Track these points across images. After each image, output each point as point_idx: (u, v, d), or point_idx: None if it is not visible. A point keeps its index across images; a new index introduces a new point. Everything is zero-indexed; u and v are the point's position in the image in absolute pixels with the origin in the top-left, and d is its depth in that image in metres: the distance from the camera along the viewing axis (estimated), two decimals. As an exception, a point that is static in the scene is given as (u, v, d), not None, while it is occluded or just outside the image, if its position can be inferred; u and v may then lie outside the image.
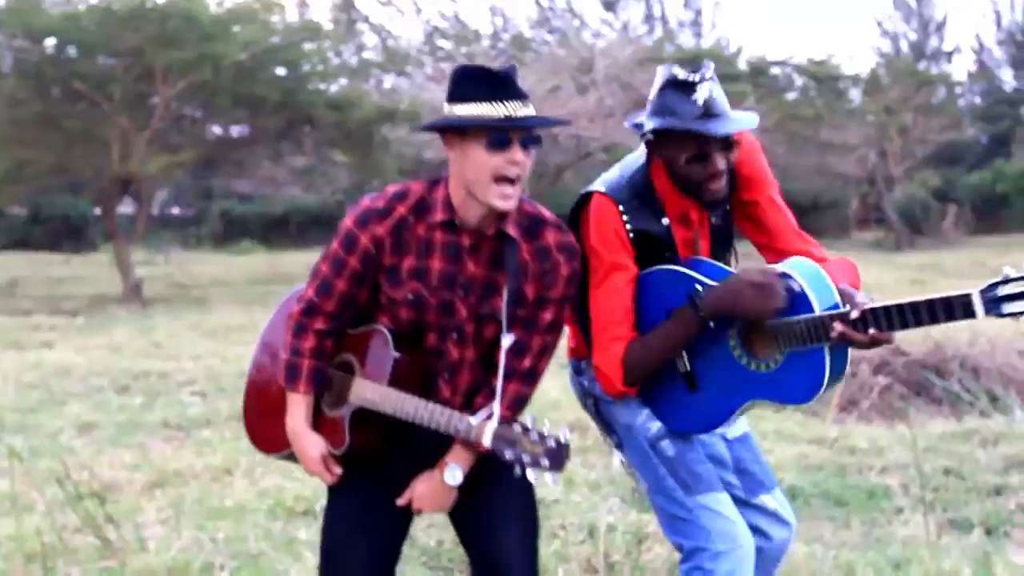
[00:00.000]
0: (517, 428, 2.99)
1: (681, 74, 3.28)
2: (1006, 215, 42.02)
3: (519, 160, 3.10)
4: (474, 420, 3.04)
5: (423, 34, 38.80)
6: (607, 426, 3.61)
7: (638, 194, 3.42)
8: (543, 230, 3.25)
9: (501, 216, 3.17)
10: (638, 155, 3.50)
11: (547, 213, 3.30)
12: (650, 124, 3.32)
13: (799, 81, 33.98)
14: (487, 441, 2.99)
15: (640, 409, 3.52)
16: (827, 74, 33.27)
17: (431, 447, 3.26)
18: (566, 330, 3.51)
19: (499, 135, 3.09)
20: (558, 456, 2.96)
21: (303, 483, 6.25)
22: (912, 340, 9.77)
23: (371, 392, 3.20)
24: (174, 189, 44.86)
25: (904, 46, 53.72)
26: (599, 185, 3.43)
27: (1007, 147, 45.16)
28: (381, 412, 3.18)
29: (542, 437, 2.97)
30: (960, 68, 54.19)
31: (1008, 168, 42.39)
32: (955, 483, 6.20)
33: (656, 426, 3.51)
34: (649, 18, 51.00)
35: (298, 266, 29.50)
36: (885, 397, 8.80)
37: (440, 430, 3.09)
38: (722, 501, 3.46)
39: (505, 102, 3.09)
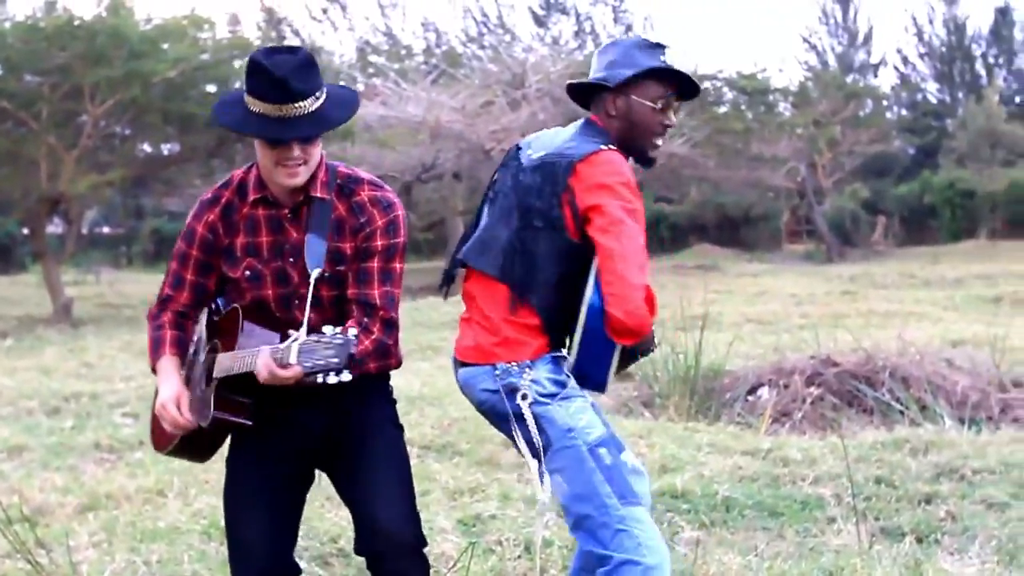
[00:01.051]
0: (314, 340, 3.04)
1: (649, 39, 3.63)
2: (934, 226, 42.68)
3: (295, 156, 3.33)
4: (283, 345, 3.13)
5: (355, 50, 38.80)
6: (539, 429, 3.52)
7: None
8: (358, 188, 3.49)
9: (305, 185, 3.41)
10: (573, 129, 3.69)
11: (364, 174, 3.55)
12: (628, 72, 3.61)
13: (729, 95, 34.28)
14: (293, 357, 3.05)
15: (581, 413, 3.52)
16: (757, 88, 33.60)
17: (313, 415, 3.46)
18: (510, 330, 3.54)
19: (273, 139, 3.33)
20: (343, 351, 2.99)
21: (237, 503, 6.20)
22: (843, 351, 9.89)
23: (228, 361, 3.34)
24: (104, 208, 44.42)
25: (831, 59, 54.38)
26: (595, 143, 3.57)
27: (933, 159, 45.85)
28: (236, 374, 3.29)
29: (331, 337, 3.02)
30: (886, 81, 54.91)
31: (935, 180, 43.07)
32: (886, 492, 6.26)
33: (597, 432, 3.51)
34: (580, 33, 51.23)
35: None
36: (817, 408, 8.88)
37: (282, 361, 3.13)
38: (645, 513, 3.49)
39: (282, 104, 3.27)
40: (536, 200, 3.55)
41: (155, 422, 3.60)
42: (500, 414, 3.58)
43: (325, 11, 47.74)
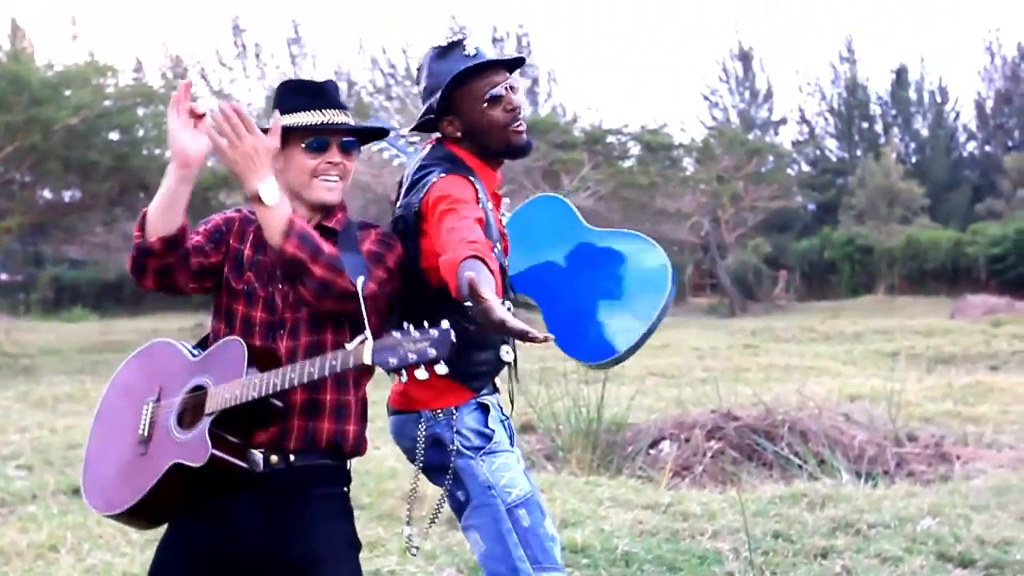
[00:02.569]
0: (394, 336, 2.96)
1: (443, 41, 3.57)
2: (833, 281, 43.41)
3: (336, 161, 3.39)
4: (349, 346, 3.02)
5: (263, 99, 38.62)
6: (457, 481, 3.45)
7: (468, 172, 3.51)
8: (369, 229, 3.46)
9: (325, 213, 3.41)
10: (422, 162, 3.57)
11: (375, 225, 3.52)
12: (438, 95, 3.52)
13: (634, 149, 34.66)
14: (367, 358, 2.96)
15: (504, 471, 3.44)
16: (661, 143, 34.03)
17: (271, 504, 3.22)
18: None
19: (317, 139, 3.38)
20: (443, 340, 2.91)
21: (131, 559, 6.09)
22: (743, 405, 10.00)
23: (228, 391, 3.16)
24: (2, 254, 43.63)
25: (733, 116, 55.21)
26: (433, 178, 3.43)
27: (833, 215, 46.67)
28: (244, 404, 3.12)
29: (422, 332, 2.94)
30: (787, 138, 55.91)
31: (835, 235, 43.86)
32: (783, 546, 6.31)
33: (518, 491, 3.43)
34: (487, 86, 51.45)
35: (132, 333, 28.88)
36: (718, 461, 8.95)
37: (316, 377, 3.05)
38: None
39: (323, 110, 3.40)
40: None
41: (92, 480, 3.40)
42: (427, 465, 3.49)
43: (237, 56, 47.59)
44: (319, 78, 3.52)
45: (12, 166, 22.58)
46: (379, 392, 3.61)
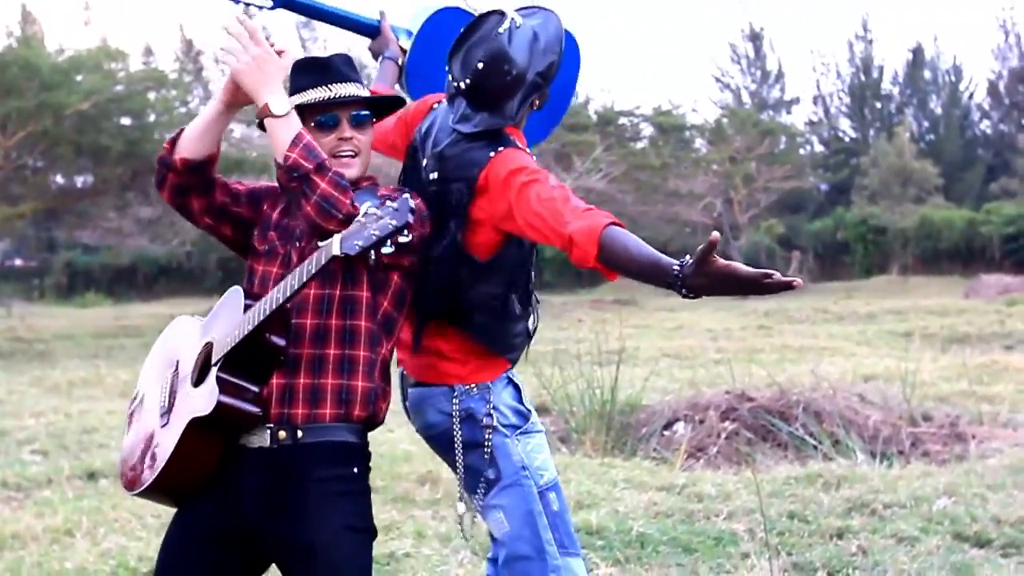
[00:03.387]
0: (358, 220, 2.95)
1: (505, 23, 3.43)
2: (847, 261, 43.32)
3: (348, 136, 3.33)
4: (322, 244, 3.00)
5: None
6: (491, 460, 3.39)
7: (515, 143, 3.41)
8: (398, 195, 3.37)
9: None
10: (458, 136, 3.45)
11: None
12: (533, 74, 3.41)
13: (647, 131, 34.60)
14: (336, 248, 2.92)
15: (538, 452, 3.42)
16: (673, 124, 33.96)
17: (273, 486, 3.19)
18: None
19: (325, 116, 3.34)
20: (402, 208, 2.90)
21: (147, 543, 6.09)
22: (757, 386, 9.98)
23: (230, 335, 3.14)
24: (16, 240, 43.76)
25: (745, 97, 55.04)
26: (488, 154, 3.34)
27: (847, 195, 46.53)
28: (247, 337, 3.09)
29: (381, 208, 2.93)
30: (800, 118, 55.77)
31: (848, 216, 43.74)
32: (799, 527, 6.30)
33: (549, 475, 3.42)
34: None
35: (145, 318, 28.93)
36: (732, 442, 8.94)
37: (302, 282, 3.01)
38: (582, 566, 3.41)
39: (330, 85, 3.35)
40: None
41: (124, 464, 3.38)
42: (449, 440, 3.43)
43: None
44: (325, 56, 3.47)
45: (24, 152, 22.61)
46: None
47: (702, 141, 39.16)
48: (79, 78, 21.11)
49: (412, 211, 2.90)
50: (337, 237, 2.93)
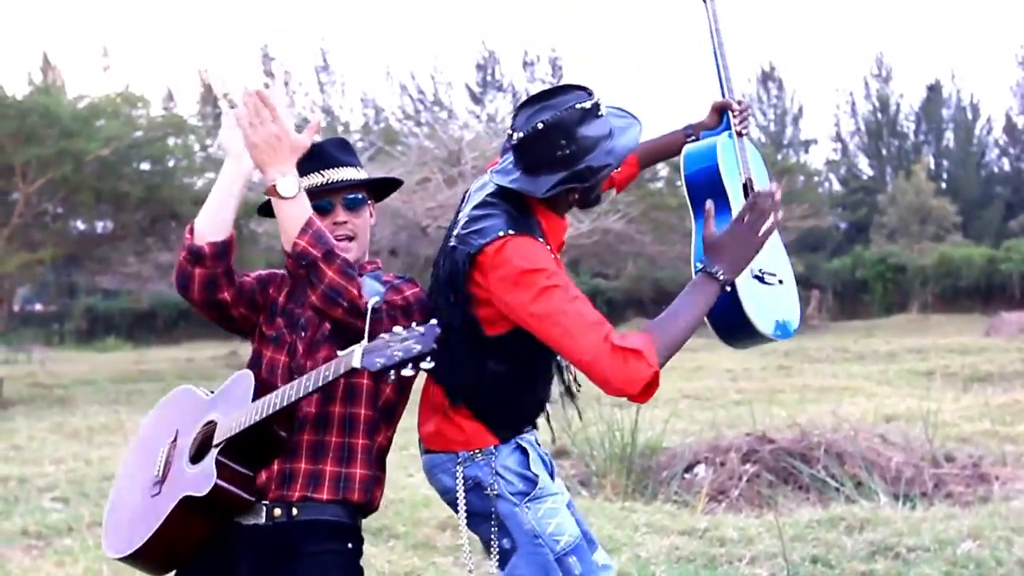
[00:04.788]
0: (382, 337, 2.94)
1: (583, 102, 3.26)
2: (866, 300, 43.18)
3: (342, 220, 3.37)
4: (341, 353, 2.99)
5: (293, 127, 38.80)
6: (502, 528, 3.31)
7: (535, 230, 3.29)
8: (403, 285, 3.42)
9: None
10: (486, 197, 3.37)
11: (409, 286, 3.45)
12: (582, 165, 3.24)
13: (664, 171, 34.61)
14: (356, 361, 2.92)
15: (551, 516, 3.32)
16: (690, 164, 33.89)
17: (267, 561, 3.19)
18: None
19: (319, 201, 3.35)
20: (429, 335, 2.89)
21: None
22: (778, 428, 9.93)
23: (235, 420, 3.15)
24: (36, 286, 43.96)
25: (763, 135, 55.10)
26: (498, 230, 3.21)
27: (865, 234, 46.48)
28: (251, 426, 3.10)
29: (408, 331, 2.93)
30: (818, 157, 55.75)
31: (867, 254, 43.65)
32: (822, 571, 6.26)
33: (566, 538, 3.31)
34: (516, 110, 51.60)
35: (165, 362, 28.99)
36: (753, 485, 8.89)
37: (317, 387, 3.02)
38: None
39: (322, 171, 3.39)
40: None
41: (109, 525, 3.40)
42: (467, 509, 3.36)
43: (267, 86, 47.84)
44: (319, 142, 3.45)
45: (44, 198, 22.70)
46: (411, 418, 3.57)
47: (720, 181, 39.13)
48: (99, 124, 21.24)
49: (437, 339, 2.88)
50: (359, 349, 2.94)
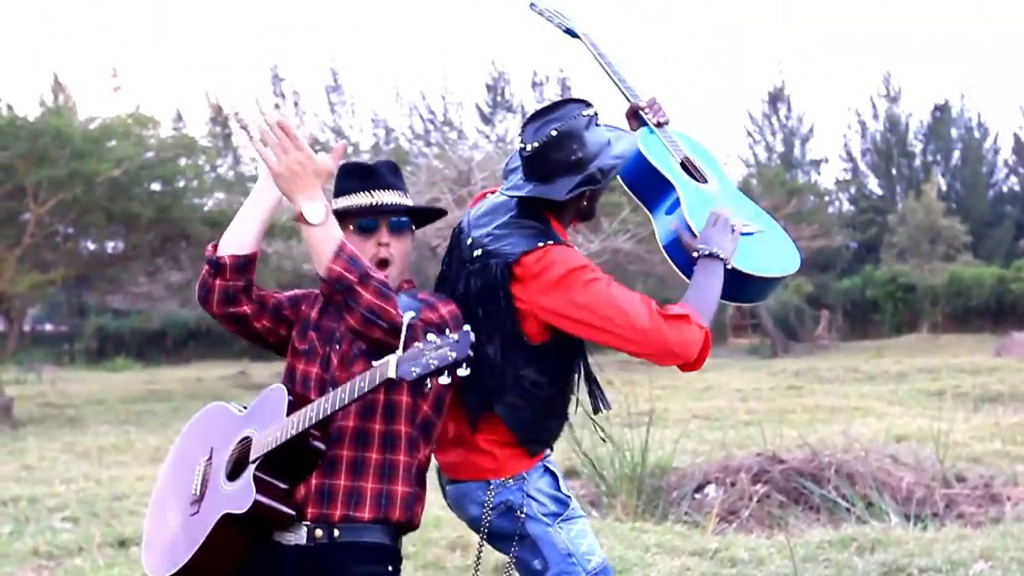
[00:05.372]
0: (416, 346, 2.94)
1: (586, 110, 3.51)
2: (877, 320, 43.09)
3: (385, 242, 3.39)
4: (376, 363, 2.99)
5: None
6: (534, 549, 3.41)
7: (563, 240, 3.46)
8: (437, 302, 3.40)
9: None
10: (508, 218, 3.51)
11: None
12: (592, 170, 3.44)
13: (673, 191, 34.63)
14: (392, 371, 2.92)
15: (582, 537, 3.42)
16: (700, 184, 33.91)
17: None
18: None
19: (364, 220, 3.39)
20: (463, 342, 2.88)
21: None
22: (788, 448, 9.91)
23: (271, 435, 3.15)
24: (47, 305, 44.05)
25: (773, 156, 55.05)
26: (536, 241, 3.38)
27: (875, 253, 46.41)
28: (286, 444, 3.10)
29: (443, 338, 2.92)
30: (828, 176, 55.72)
31: (877, 274, 43.58)
32: (834, 592, 6.26)
33: (597, 559, 3.41)
34: (525, 130, 51.60)
35: (175, 382, 29.00)
36: (764, 505, 8.88)
37: (354, 398, 3.02)
38: None
39: (372, 191, 3.41)
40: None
41: (150, 547, 3.39)
42: (496, 533, 3.45)
43: (277, 107, 47.96)
44: (371, 162, 3.52)
45: (56, 219, 22.79)
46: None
47: (729, 200, 39.14)
48: (110, 145, 21.32)
49: (472, 346, 2.88)
50: (393, 359, 2.93)
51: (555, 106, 3.52)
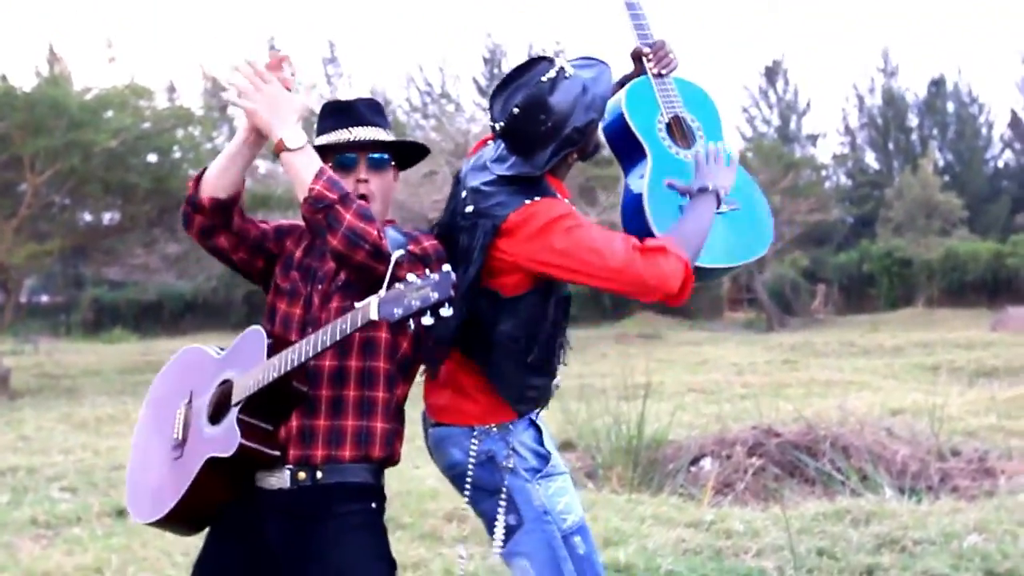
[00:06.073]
0: (397, 287, 2.92)
1: (551, 71, 3.40)
2: (872, 294, 43.15)
3: (364, 178, 3.37)
4: (358, 305, 2.98)
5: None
6: (511, 505, 3.37)
7: (553, 193, 3.42)
8: (420, 236, 3.41)
9: None
10: (498, 175, 3.47)
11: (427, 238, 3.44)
12: (568, 130, 3.38)
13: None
14: (374, 313, 2.91)
15: (560, 495, 3.39)
16: (697, 158, 33.88)
17: (295, 524, 3.23)
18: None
19: (342, 156, 3.39)
20: (444, 282, 2.85)
21: (176, 581, 6.12)
22: (784, 421, 9.95)
23: (251, 378, 3.15)
24: (43, 276, 43.99)
25: (770, 129, 55.00)
26: (522, 199, 3.35)
27: (871, 228, 46.41)
28: (268, 386, 3.11)
29: (424, 279, 2.90)
30: (825, 151, 55.63)
31: (873, 248, 43.61)
32: (828, 564, 6.27)
33: (573, 517, 3.38)
34: (523, 103, 51.48)
35: (171, 353, 28.86)
36: (759, 478, 8.91)
37: (335, 340, 3.02)
38: None
39: (351, 127, 3.41)
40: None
41: (134, 492, 3.43)
42: (470, 481, 3.41)
43: (278, 50, 47.81)
44: (351, 99, 3.53)
45: (52, 190, 22.73)
46: (417, 407, 3.60)
47: (726, 174, 39.11)
48: (107, 115, 21.24)
49: (455, 285, 2.86)
50: (375, 300, 2.93)
51: (517, 72, 3.44)
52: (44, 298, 48.17)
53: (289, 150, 3.13)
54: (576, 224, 3.30)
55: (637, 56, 3.74)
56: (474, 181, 3.49)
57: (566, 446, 10.08)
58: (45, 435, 13.14)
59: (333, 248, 3.10)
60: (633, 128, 3.62)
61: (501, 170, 3.43)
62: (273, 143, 3.16)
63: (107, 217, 27.20)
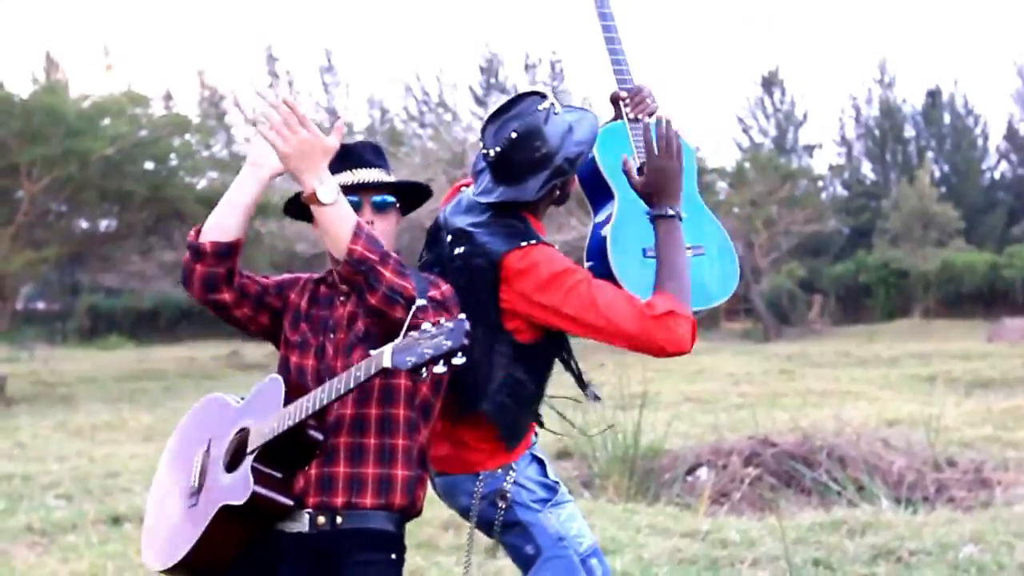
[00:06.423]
0: (411, 335, 2.91)
1: (544, 103, 3.46)
2: (869, 305, 43.17)
3: (369, 220, 3.31)
4: (373, 353, 2.97)
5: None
6: (526, 535, 3.45)
7: (542, 238, 3.44)
8: (437, 280, 3.38)
9: None
10: (486, 216, 3.48)
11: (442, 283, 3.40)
12: (557, 162, 3.41)
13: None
14: (387, 361, 2.90)
15: (572, 520, 3.46)
16: (691, 167, 33.94)
17: (310, 571, 3.20)
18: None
19: (348, 200, 3.25)
20: (458, 330, 2.85)
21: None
22: (780, 431, 9.94)
23: (268, 426, 3.14)
24: (39, 283, 43.96)
25: (767, 140, 55.04)
26: (518, 240, 3.37)
27: (868, 238, 46.44)
28: (284, 435, 3.10)
29: (437, 327, 2.89)
30: (822, 162, 55.66)
31: (869, 259, 43.64)
32: (824, 574, 6.27)
33: (588, 541, 3.45)
34: (519, 113, 51.52)
35: (168, 361, 28.98)
36: (755, 488, 8.91)
37: (350, 388, 3.00)
38: None
39: (352, 170, 3.38)
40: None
41: (150, 538, 3.40)
42: (487, 522, 3.47)
43: (270, 85, 47.90)
44: (354, 140, 3.51)
45: (49, 197, 22.73)
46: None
47: (723, 184, 39.17)
48: (104, 123, 21.27)
49: (468, 334, 2.86)
50: (389, 348, 2.92)
51: (510, 104, 3.48)
52: (40, 305, 48.13)
53: (323, 204, 3.07)
54: (578, 281, 3.32)
55: (615, 100, 3.76)
56: (460, 223, 3.51)
57: (562, 454, 10.08)
58: (41, 442, 13.12)
59: (372, 306, 3.09)
60: (601, 169, 3.62)
61: (491, 199, 3.46)
62: (305, 192, 3.10)
63: (104, 224, 27.23)
